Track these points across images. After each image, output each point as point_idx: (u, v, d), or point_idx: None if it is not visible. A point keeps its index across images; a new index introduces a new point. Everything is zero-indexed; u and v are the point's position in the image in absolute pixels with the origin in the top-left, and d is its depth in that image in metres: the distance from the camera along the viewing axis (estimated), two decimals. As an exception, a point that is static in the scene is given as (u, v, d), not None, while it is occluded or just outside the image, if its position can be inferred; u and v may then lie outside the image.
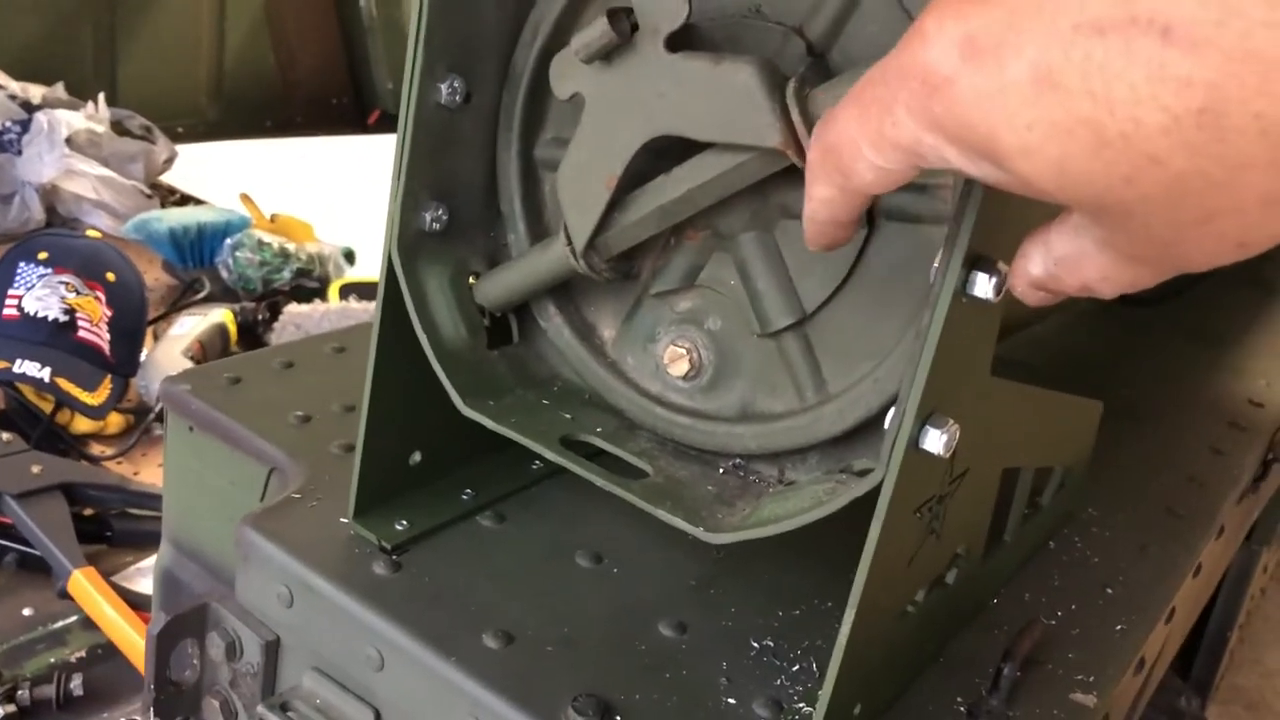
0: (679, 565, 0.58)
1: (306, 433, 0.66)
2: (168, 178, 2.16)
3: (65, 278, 1.44)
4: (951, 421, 0.41)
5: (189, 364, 1.48)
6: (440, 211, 0.53)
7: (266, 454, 0.64)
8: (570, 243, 0.50)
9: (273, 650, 0.57)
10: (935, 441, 0.41)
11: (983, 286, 0.39)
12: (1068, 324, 0.99)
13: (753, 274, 0.49)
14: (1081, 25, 0.27)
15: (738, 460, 0.51)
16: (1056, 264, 0.34)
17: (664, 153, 0.47)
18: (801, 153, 0.42)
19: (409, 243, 0.52)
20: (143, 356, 1.51)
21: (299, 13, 2.73)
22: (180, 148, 2.16)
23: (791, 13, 0.47)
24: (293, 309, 1.63)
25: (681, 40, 0.45)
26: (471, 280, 0.55)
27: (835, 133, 0.34)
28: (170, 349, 1.50)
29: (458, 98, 0.52)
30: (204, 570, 0.68)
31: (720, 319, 0.51)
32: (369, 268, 1.95)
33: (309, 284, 1.83)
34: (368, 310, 1.62)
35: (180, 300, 1.75)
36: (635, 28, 0.46)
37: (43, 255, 1.45)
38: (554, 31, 0.52)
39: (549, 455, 0.50)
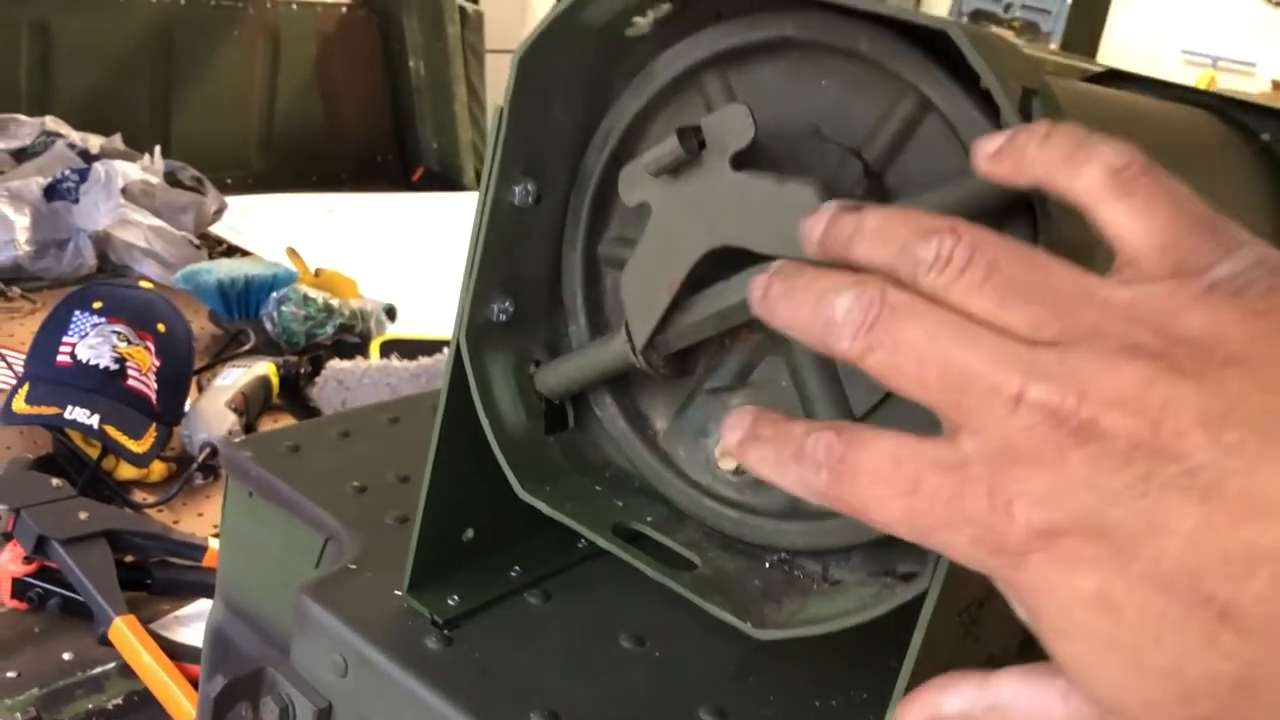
0: (719, 651, 0.60)
1: (362, 503, 0.68)
2: (215, 228, 2.21)
3: (118, 327, 1.48)
4: (993, 534, 0.43)
5: (232, 415, 1.52)
6: (506, 304, 0.56)
7: (323, 523, 0.67)
8: (630, 340, 0.53)
9: (325, 717, 0.59)
10: (977, 552, 0.43)
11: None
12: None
13: (804, 377, 0.52)
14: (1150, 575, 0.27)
15: (783, 555, 0.53)
16: (989, 711, 0.33)
17: (724, 260, 0.50)
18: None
19: (476, 332, 0.55)
20: (187, 406, 1.55)
21: (349, 70, 2.80)
22: (228, 199, 2.21)
23: (850, 135, 0.50)
24: (335, 365, 1.67)
25: (746, 159, 0.48)
26: (532, 368, 0.57)
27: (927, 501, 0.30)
28: (215, 400, 1.53)
29: (530, 199, 0.55)
30: (255, 632, 0.71)
31: (770, 418, 0.53)
32: (409, 324, 1.99)
33: (350, 339, 1.86)
34: (408, 368, 1.65)
35: (225, 351, 1.79)
36: (703, 145, 0.49)
37: (97, 304, 1.49)
38: (623, 139, 0.55)
39: (602, 544, 0.52)
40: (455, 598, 0.59)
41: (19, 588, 1.18)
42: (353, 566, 0.62)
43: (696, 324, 0.51)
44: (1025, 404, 0.27)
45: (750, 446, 0.33)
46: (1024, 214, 0.42)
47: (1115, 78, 0.84)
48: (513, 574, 0.62)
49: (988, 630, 0.51)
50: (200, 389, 1.63)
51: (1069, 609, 0.29)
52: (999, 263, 0.29)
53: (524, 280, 0.57)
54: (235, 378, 1.60)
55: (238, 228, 2.28)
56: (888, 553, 0.50)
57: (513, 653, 0.58)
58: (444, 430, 0.56)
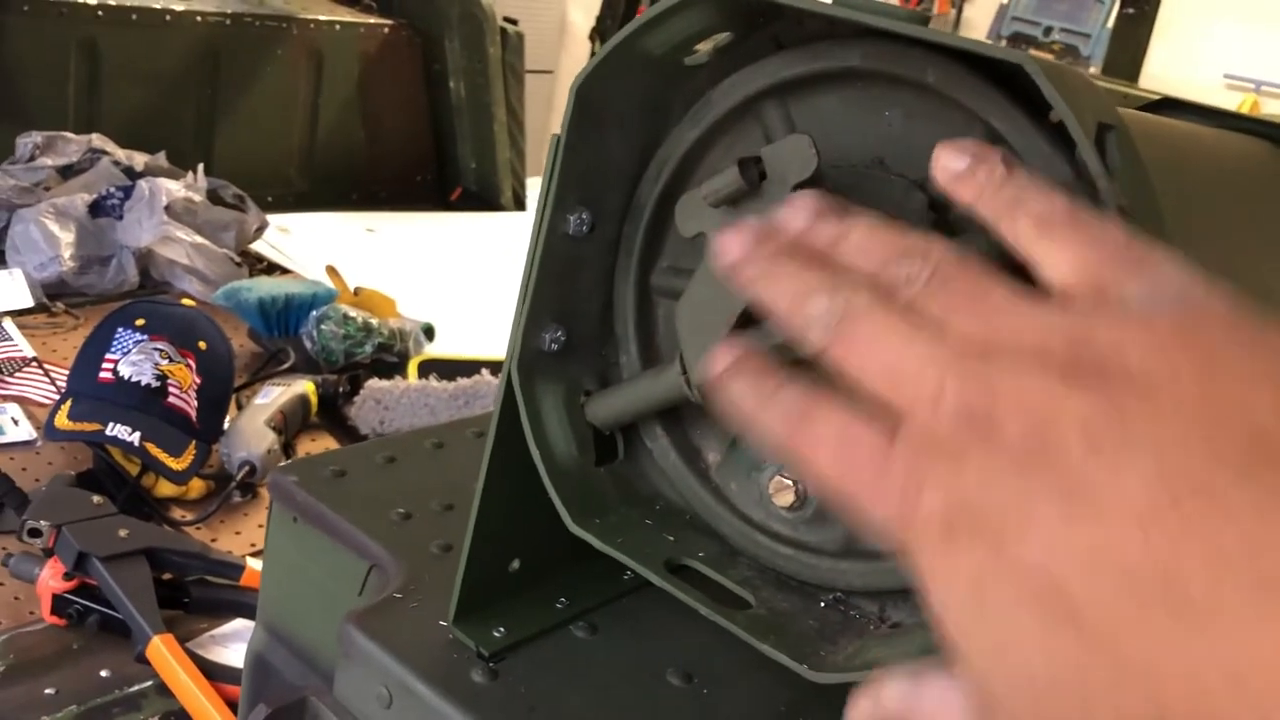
0: (768, 690, 0.59)
1: (407, 530, 0.68)
2: (256, 246, 2.23)
3: (160, 345, 1.48)
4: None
5: (271, 433, 1.52)
6: (559, 333, 0.55)
7: (368, 550, 0.66)
8: (685, 372, 0.52)
9: (370, 749, 0.58)
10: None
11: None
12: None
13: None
14: None
15: (839, 595, 0.52)
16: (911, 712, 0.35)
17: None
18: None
19: (528, 362, 0.55)
20: (226, 423, 1.55)
21: (390, 90, 2.82)
22: (269, 217, 2.23)
23: (913, 167, 0.49)
24: (374, 384, 1.67)
25: (807, 189, 0.47)
26: (583, 398, 0.57)
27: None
28: (254, 418, 1.54)
29: (584, 228, 0.54)
30: (297, 659, 0.70)
31: (826, 454, 0.52)
32: (447, 344, 1.99)
33: (389, 358, 1.86)
34: (447, 389, 1.65)
35: (264, 369, 1.80)
36: (764, 176, 0.48)
37: (140, 322, 1.50)
38: (678, 169, 0.54)
39: (655, 580, 0.51)
40: (501, 630, 0.59)
41: (58, 604, 1.19)
42: (398, 595, 0.61)
43: (753, 357, 0.50)
44: (945, 402, 0.31)
45: (732, 379, 0.36)
46: None
47: (1171, 105, 0.82)
48: (559, 605, 0.61)
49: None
50: (239, 407, 1.63)
51: (950, 591, 0.31)
52: (952, 282, 0.33)
53: (577, 310, 0.56)
54: (274, 396, 1.61)
55: (278, 245, 2.30)
56: (948, 595, 0.49)
57: (559, 687, 0.57)
58: (493, 460, 0.56)
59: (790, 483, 0.53)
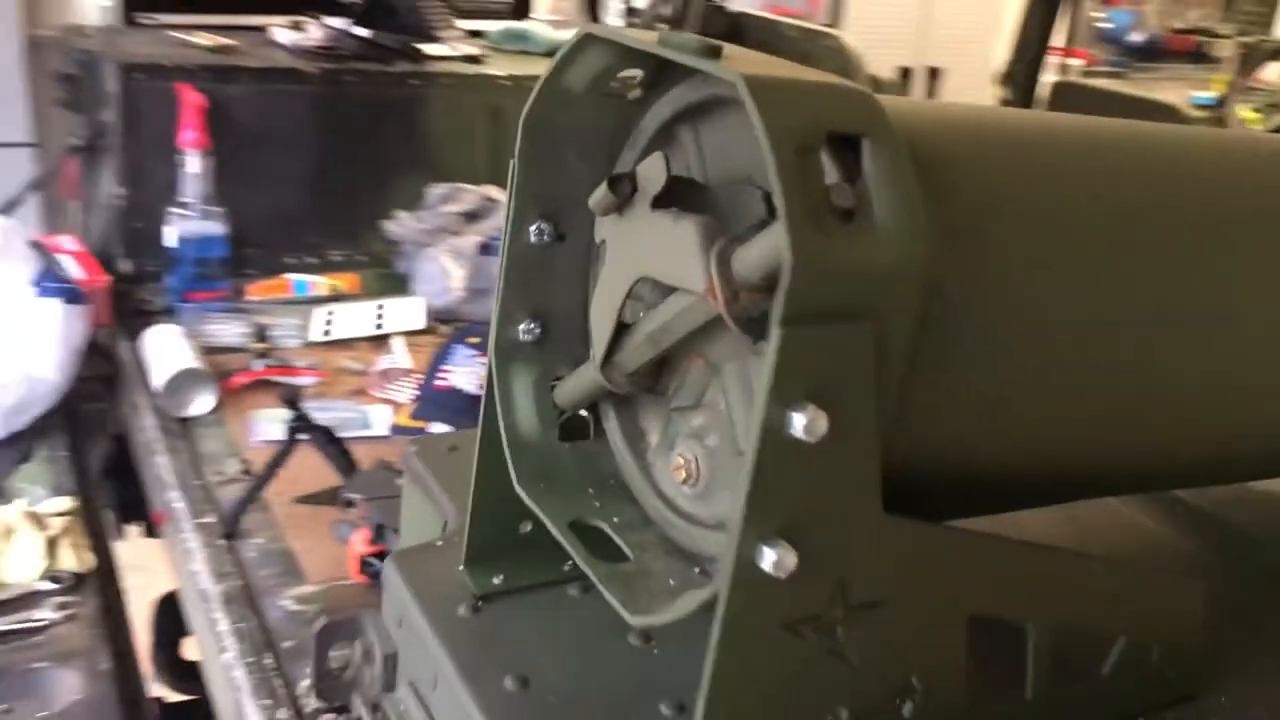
0: (709, 657, 0.65)
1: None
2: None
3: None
4: (787, 546, 0.46)
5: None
6: (533, 326, 0.66)
7: (444, 506, 0.80)
8: (594, 360, 0.61)
9: (391, 661, 0.71)
10: (769, 562, 0.46)
11: (792, 426, 0.44)
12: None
13: (731, 400, 0.56)
14: None
15: (710, 561, 0.58)
16: None
17: (664, 289, 0.56)
18: (716, 299, 0.50)
19: (503, 349, 0.66)
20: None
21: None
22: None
23: (766, 179, 0.54)
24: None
25: (663, 200, 0.55)
26: (554, 383, 0.66)
27: None
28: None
29: (546, 238, 0.64)
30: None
31: (717, 436, 0.58)
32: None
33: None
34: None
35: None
36: (635, 190, 0.56)
37: (473, 340, 1.75)
38: (630, 185, 0.63)
39: (554, 532, 0.60)
40: (500, 578, 0.69)
41: (364, 566, 1.44)
42: (439, 543, 0.74)
43: (637, 346, 0.58)
44: None
45: None
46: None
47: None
48: (565, 567, 0.71)
49: (875, 656, 0.52)
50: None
51: None
52: None
53: (552, 306, 0.66)
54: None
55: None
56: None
57: (525, 628, 0.66)
58: (484, 431, 0.67)
59: (683, 461, 0.59)
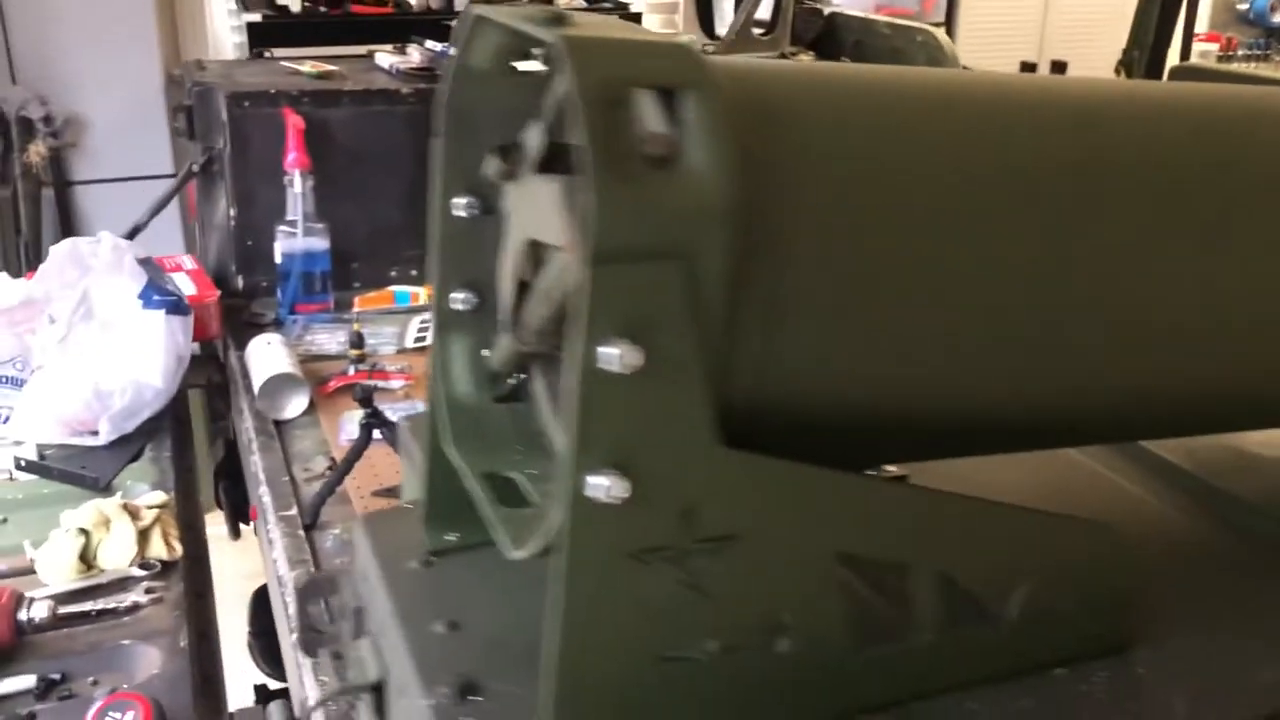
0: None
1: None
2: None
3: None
4: (618, 474, 0.49)
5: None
6: (469, 296, 0.70)
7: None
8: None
9: (359, 614, 0.76)
10: (600, 490, 0.49)
11: (608, 361, 0.47)
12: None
13: None
14: None
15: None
16: None
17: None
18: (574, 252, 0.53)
19: (442, 318, 0.70)
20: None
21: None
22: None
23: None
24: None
25: (546, 165, 0.58)
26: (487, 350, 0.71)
27: None
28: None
29: (474, 211, 0.68)
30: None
31: (612, 392, 0.62)
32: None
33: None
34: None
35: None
36: (522, 159, 0.60)
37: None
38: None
39: (466, 482, 0.64)
40: (454, 535, 0.74)
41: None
42: (410, 505, 0.79)
43: (536, 305, 0.62)
44: None
45: None
46: None
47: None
48: (519, 527, 0.75)
49: (736, 590, 0.54)
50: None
51: None
52: None
53: (487, 277, 0.70)
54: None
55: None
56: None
57: (469, 583, 0.70)
58: (431, 396, 0.72)
59: (583, 415, 0.62)
